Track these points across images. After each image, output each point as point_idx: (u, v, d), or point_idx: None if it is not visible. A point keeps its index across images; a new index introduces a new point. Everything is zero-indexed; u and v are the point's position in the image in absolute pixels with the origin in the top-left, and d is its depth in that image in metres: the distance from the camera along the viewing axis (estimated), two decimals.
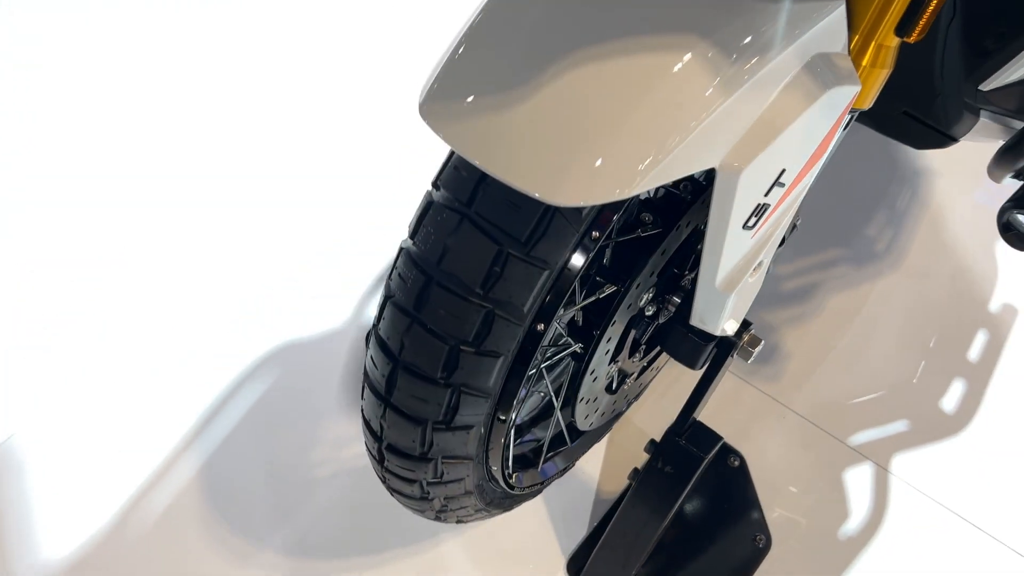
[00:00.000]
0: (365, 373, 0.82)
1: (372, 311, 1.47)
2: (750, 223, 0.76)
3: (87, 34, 1.99)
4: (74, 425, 1.32)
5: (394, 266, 0.77)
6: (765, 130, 0.68)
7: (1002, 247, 1.52)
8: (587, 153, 0.61)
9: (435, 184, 0.75)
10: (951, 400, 1.33)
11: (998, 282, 1.47)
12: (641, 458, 1.26)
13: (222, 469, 1.26)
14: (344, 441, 1.29)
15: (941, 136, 1.06)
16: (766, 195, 0.74)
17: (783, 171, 0.74)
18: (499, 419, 0.82)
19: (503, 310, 0.72)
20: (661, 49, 0.62)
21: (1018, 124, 0.96)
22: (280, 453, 1.28)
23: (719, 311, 0.86)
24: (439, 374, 0.74)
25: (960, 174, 1.63)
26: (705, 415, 1.11)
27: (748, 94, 0.64)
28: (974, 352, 1.38)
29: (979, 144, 1.11)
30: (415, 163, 1.64)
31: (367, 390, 0.81)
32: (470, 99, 0.64)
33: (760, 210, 0.76)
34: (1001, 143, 1.05)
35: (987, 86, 0.90)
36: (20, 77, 1.89)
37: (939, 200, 1.60)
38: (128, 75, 1.90)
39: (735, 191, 0.69)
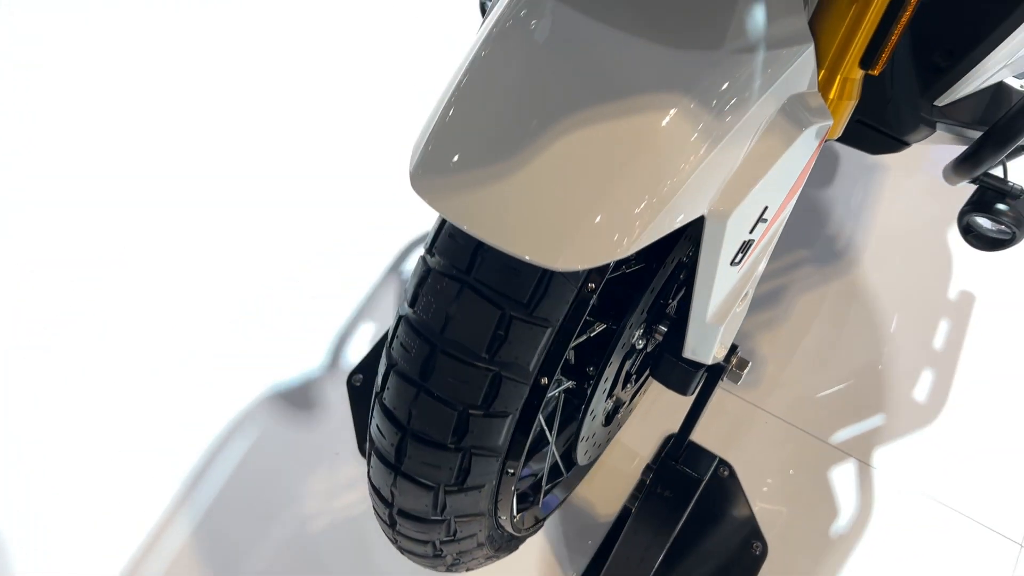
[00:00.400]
0: (370, 439, 0.82)
1: (370, 314, 1.50)
2: (737, 259, 0.78)
3: (87, 34, 2.01)
4: (74, 425, 1.35)
5: (394, 335, 0.77)
6: (748, 174, 0.70)
7: (953, 234, 1.59)
8: (583, 217, 0.62)
9: (429, 251, 0.75)
10: (922, 390, 1.38)
11: (953, 269, 1.53)
12: (632, 474, 1.28)
13: (219, 493, 1.27)
14: (340, 470, 1.29)
15: (895, 142, 1.11)
16: (751, 232, 0.77)
17: (766, 208, 0.76)
18: (508, 472, 0.83)
19: (509, 371, 0.73)
20: (645, 109, 0.63)
21: (972, 133, 1.00)
22: (278, 480, 1.27)
23: (711, 343, 0.88)
24: (450, 439, 0.75)
25: (905, 165, 1.70)
26: None
27: (731, 143, 0.66)
28: (939, 341, 1.44)
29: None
30: None
31: (375, 458, 0.81)
32: (462, 169, 0.64)
33: (746, 246, 0.78)
34: (948, 146, 1.10)
35: (942, 101, 0.94)
36: (20, 77, 1.91)
37: (889, 192, 1.65)
38: (128, 75, 1.92)
39: (723, 235, 0.72)
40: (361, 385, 1.39)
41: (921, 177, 1.66)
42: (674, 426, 1.33)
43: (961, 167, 0.94)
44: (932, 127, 0.99)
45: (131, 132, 1.79)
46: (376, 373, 1.40)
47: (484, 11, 1.27)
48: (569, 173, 0.62)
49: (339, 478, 1.30)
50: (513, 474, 0.83)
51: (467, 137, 0.65)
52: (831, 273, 1.52)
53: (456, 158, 0.65)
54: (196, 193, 1.68)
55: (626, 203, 0.62)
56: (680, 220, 0.66)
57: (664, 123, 0.63)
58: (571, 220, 0.62)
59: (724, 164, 0.67)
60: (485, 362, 0.72)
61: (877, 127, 1.08)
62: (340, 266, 1.56)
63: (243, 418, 1.35)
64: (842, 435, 1.34)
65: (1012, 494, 1.28)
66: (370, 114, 1.83)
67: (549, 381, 0.76)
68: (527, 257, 0.62)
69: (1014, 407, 1.37)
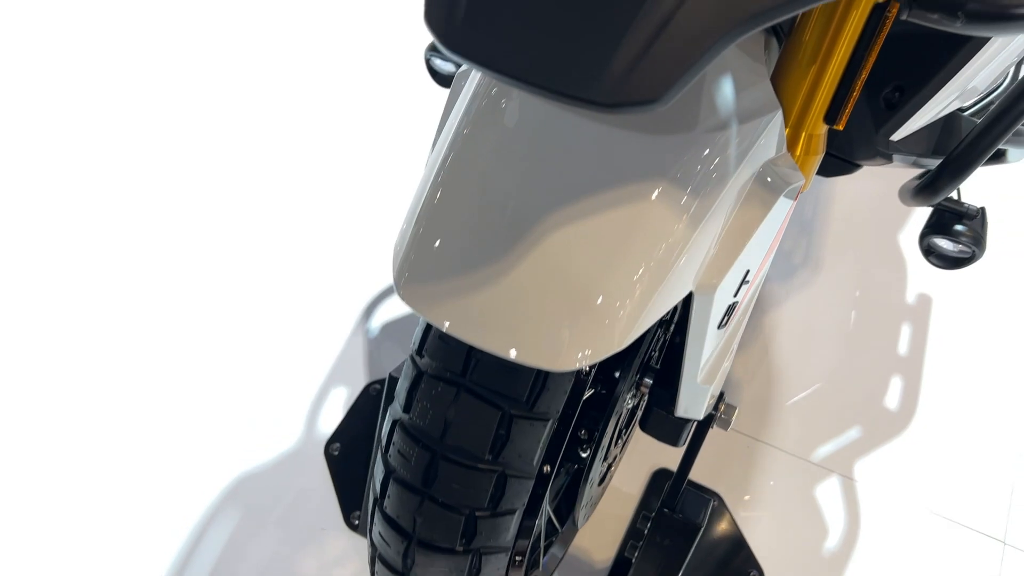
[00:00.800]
0: (372, 545, 0.79)
1: (370, 314, 1.51)
2: (723, 322, 0.79)
3: (86, 34, 2.04)
4: (73, 426, 1.37)
5: (389, 441, 0.75)
6: (731, 246, 0.71)
7: (903, 237, 1.63)
8: (579, 314, 0.61)
9: (418, 353, 0.73)
10: (893, 397, 1.41)
11: (907, 273, 1.56)
12: (623, 515, 1.28)
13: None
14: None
15: (848, 164, 1.13)
16: (735, 295, 0.77)
17: (748, 271, 0.76)
18: (516, 561, 0.81)
19: (513, 469, 0.71)
20: (626, 199, 0.63)
21: (927, 161, 1.02)
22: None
23: (702, 401, 0.89)
24: (458, 544, 0.73)
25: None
26: (674, 459, 1.15)
27: (712, 220, 0.66)
28: (903, 346, 1.47)
29: None
30: (414, 164, 1.71)
31: (379, 564, 0.78)
32: (448, 274, 0.63)
33: (730, 309, 0.79)
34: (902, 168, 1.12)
35: (897, 136, 0.96)
36: (20, 77, 1.94)
37: (838, 200, 1.69)
38: (128, 75, 1.95)
39: (711, 307, 0.72)
40: (339, 454, 1.36)
41: (868, 183, 1.70)
42: (658, 459, 1.33)
43: (919, 196, 0.96)
44: (889, 159, 1.00)
45: (130, 132, 1.81)
46: (353, 439, 1.38)
47: (429, 66, 1.25)
48: (559, 270, 0.62)
49: (328, 555, 1.26)
50: (521, 561, 0.82)
51: (450, 239, 0.64)
52: (791, 289, 1.55)
53: (441, 262, 0.63)
54: (195, 194, 1.71)
55: (618, 296, 0.62)
56: (671, 302, 0.66)
57: (646, 211, 0.63)
58: (567, 319, 0.61)
59: (706, 241, 0.67)
60: (489, 463, 0.70)
61: (828, 151, 1.09)
62: (339, 267, 1.59)
63: (219, 507, 1.30)
64: (821, 451, 1.35)
65: (989, 493, 1.31)
66: (369, 114, 1.85)
67: (552, 469, 0.75)
68: (537, 364, 0.61)
69: (980, 406, 1.41)
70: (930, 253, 1.09)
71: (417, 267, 0.64)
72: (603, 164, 0.64)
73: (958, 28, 0.59)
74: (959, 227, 1.04)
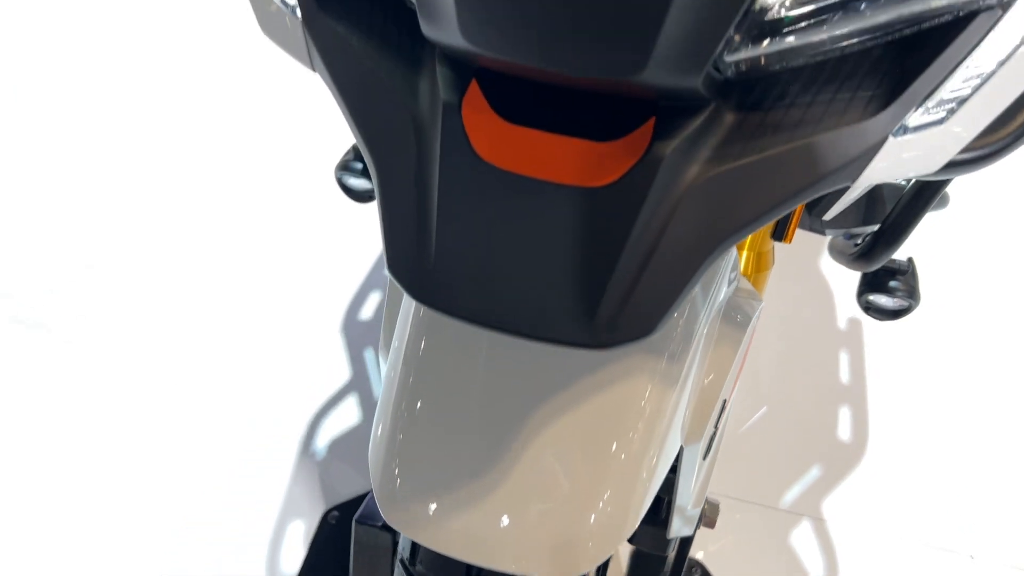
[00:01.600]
0: None
1: (313, 433, 1.47)
2: (707, 453, 0.79)
3: (84, 33, 2.09)
4: (71, 428, 1.39)
5: None
6: (710, 391, 0.71)
7: (825, 261, 1.68)
8: (582, 516, 0.60)
9: (411, 562, 0.69)
10: (844, 428, 1.45)
11: (835, 299, 1.62)
12: None
13: None
14: None
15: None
16: (715, 426, 0.77)
17: (725, 400, 0.76)
18: None
19: None
20: (603, 386, 0.61)
21: (858, 230, 1.05)
22: None
23: (693, 521, 0.89)
24: None
25: None
26: None
27: (689, 376, 0.66)
28: (844, 374, 1.51)
29: None
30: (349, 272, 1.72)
31: None
32: (438, 493, 0.60)
33: (712, 438, 0.79)
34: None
35: (829, 216, 0.98)
36: (19, 78, 1.99)
37: None
38: (126, 75, 1.99)
39: (697, 451, 0.72)
40: None
41: None
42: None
43: (857, 263, 0.98)
44: (822, 233, 1.02)
45: (128, 133, 1.83)
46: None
47: (342, 184, 1.20)
48: (552, 473, 0.60)
49: None
50: None
51: (432, 457, 0.62)
52: None
53: (427, 481, 0.61)
54: (193, 194, 1.75)
55: (615, 486, 0.61)
56: (666, 467, 0.66)
57: (625, 393, 0.62)
58: (570, 523, 0.60)
59: (687, 396, 0.67)
60: None
61: None
62: (337, 271, 1.64)
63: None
64: (788, 496, 1.38)
65: (950, 509, 1.37)
66: None
67: None
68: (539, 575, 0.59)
69: (927, 422, 1.47)
70: (869, 309, 1.12)
71: (401, 490, 0.61)
72: (575, 354, 0.62)
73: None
74: (893, 283, 1.07)
